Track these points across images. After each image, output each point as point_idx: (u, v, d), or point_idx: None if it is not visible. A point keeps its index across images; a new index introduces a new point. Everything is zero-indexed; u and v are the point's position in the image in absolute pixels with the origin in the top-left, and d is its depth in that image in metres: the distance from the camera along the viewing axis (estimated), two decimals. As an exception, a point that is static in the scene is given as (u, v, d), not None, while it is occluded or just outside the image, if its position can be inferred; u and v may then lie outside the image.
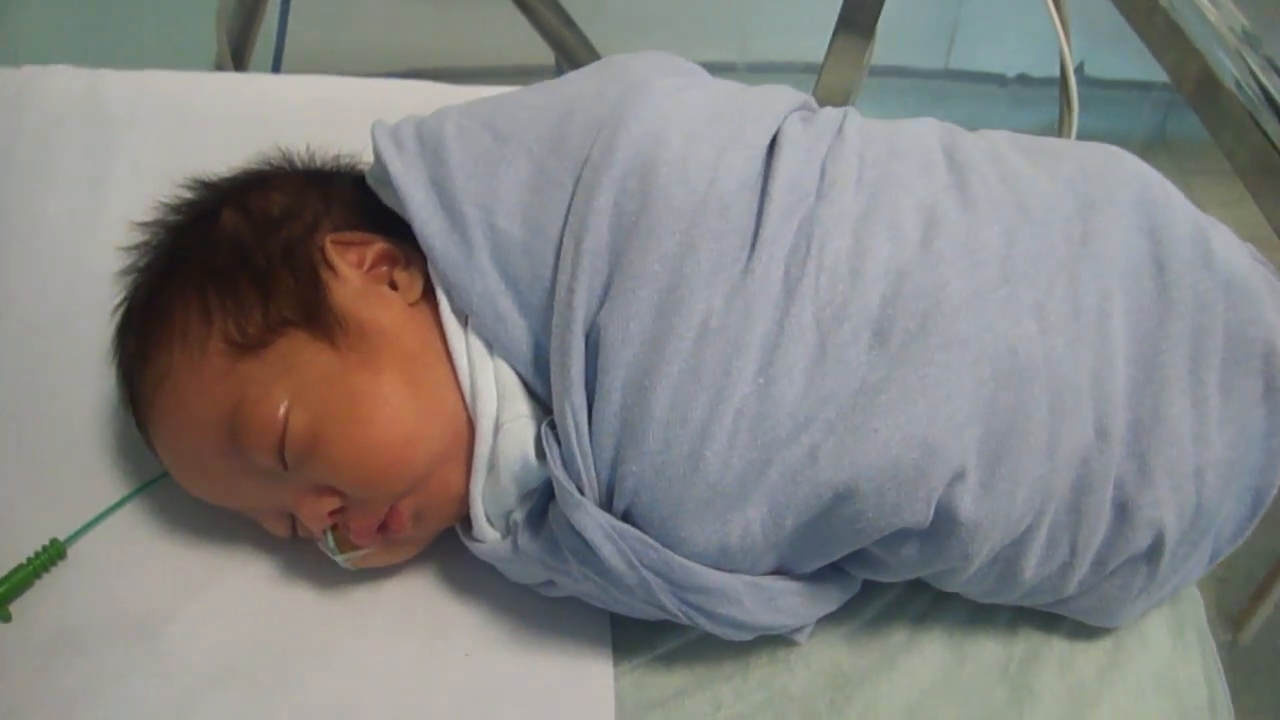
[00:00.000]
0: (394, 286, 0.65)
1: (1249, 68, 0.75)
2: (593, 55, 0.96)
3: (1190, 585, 0.72)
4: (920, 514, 0.58)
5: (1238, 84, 0.76)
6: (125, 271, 0.69)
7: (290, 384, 0.60)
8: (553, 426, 0.60)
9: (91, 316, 0.71)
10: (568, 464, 0.59)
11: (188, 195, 0.70)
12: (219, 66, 0.93)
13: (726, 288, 0.59)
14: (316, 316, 0.62)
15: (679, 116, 0.64)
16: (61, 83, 0.84)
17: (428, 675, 0.64)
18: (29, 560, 0.65)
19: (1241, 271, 0.65)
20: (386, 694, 0.63)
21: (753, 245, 0.60)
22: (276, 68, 1.00)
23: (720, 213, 0.60)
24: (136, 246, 0.69)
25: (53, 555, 0.66)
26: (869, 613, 0.69)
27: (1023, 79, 1.30)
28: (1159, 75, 0.83)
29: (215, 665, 0.63)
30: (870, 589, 0.69)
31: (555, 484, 0.59)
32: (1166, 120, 1.55)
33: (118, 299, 0.68)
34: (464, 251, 0.62)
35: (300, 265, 0.64)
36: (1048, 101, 0.95)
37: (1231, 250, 0.66)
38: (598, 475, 0.58)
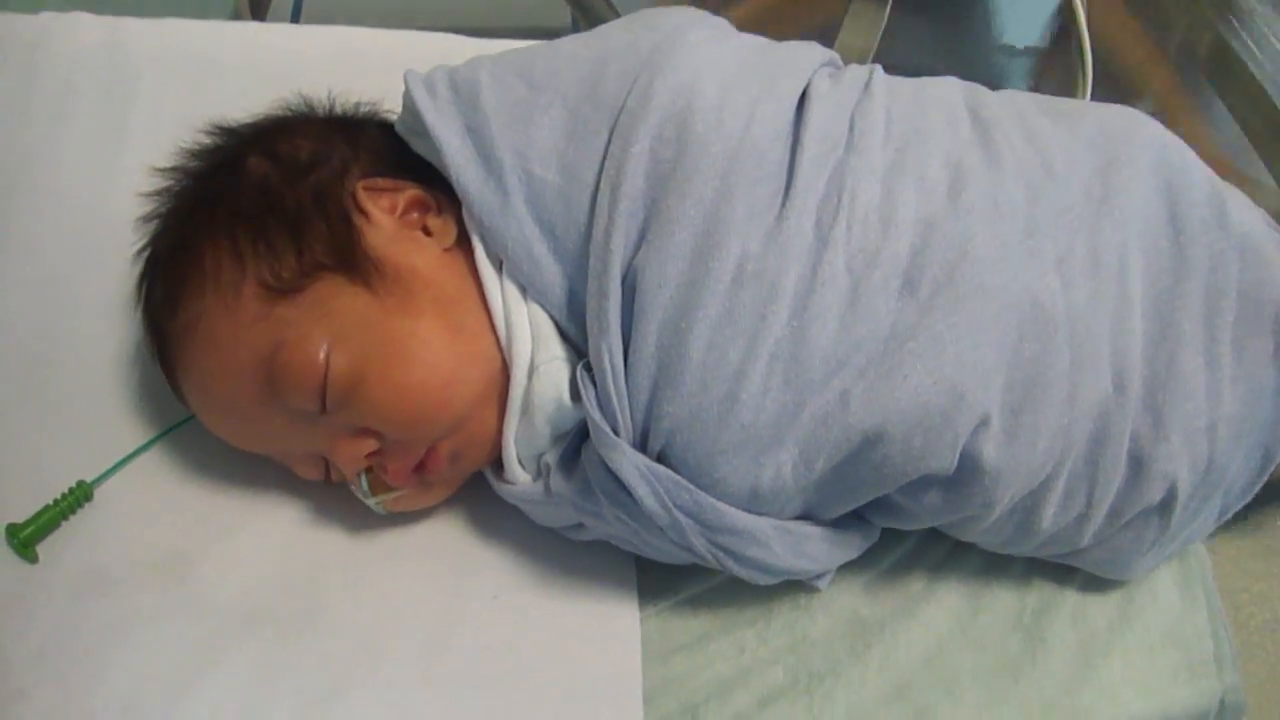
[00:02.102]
0: (427, 232, 0.66)
1: (1258, 36, 0.76)
2: (612, 14, 0.97)
3: (1198, 542, 0.74)
4: (945, 460, 0.59)
5: (1249, 52, 0.77)
6: (147, 218, 0.69)
7: (329, 327, 0.61)
8: (588, 369, 0.61)
9: (113, 262, 0.72)
10: (603, 405, 0.59)
11: (209, 141, 0.70)
12: (237, 15, 0.93)
13: (761, 233, 0.59)
14: (352, 260, 0.62)
15: (713, 67, 0.65)
16: (80, 30, 0.83)
17: (456, 616, 0.65)
18: (56, 502, 0.65)
19: (1256, 234, 0.67)
20: (415, 634, 0.64)
21: (786, 193, 0.61)
22: (296, 18, 1.00)
23: (755, 160, 0.61)
24: (158, 192, 0.69)
25: (80, 497, 0.66)
26: (887, 562, 0.71)
27: (1032, 51, 1.31)
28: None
29: (244, 606, 0.64)
30: (888, 539, 0.70)
31: (590, 425, 0.59)
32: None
33: (140, 245, 0.68)
34: (500, 197, 0.62)
35: (332, 210, 0.64)
36: (1058, 73, 0.96)
37: (1246, 213, 0.68)
38: (633, 417, 0.59)
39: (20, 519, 0.64)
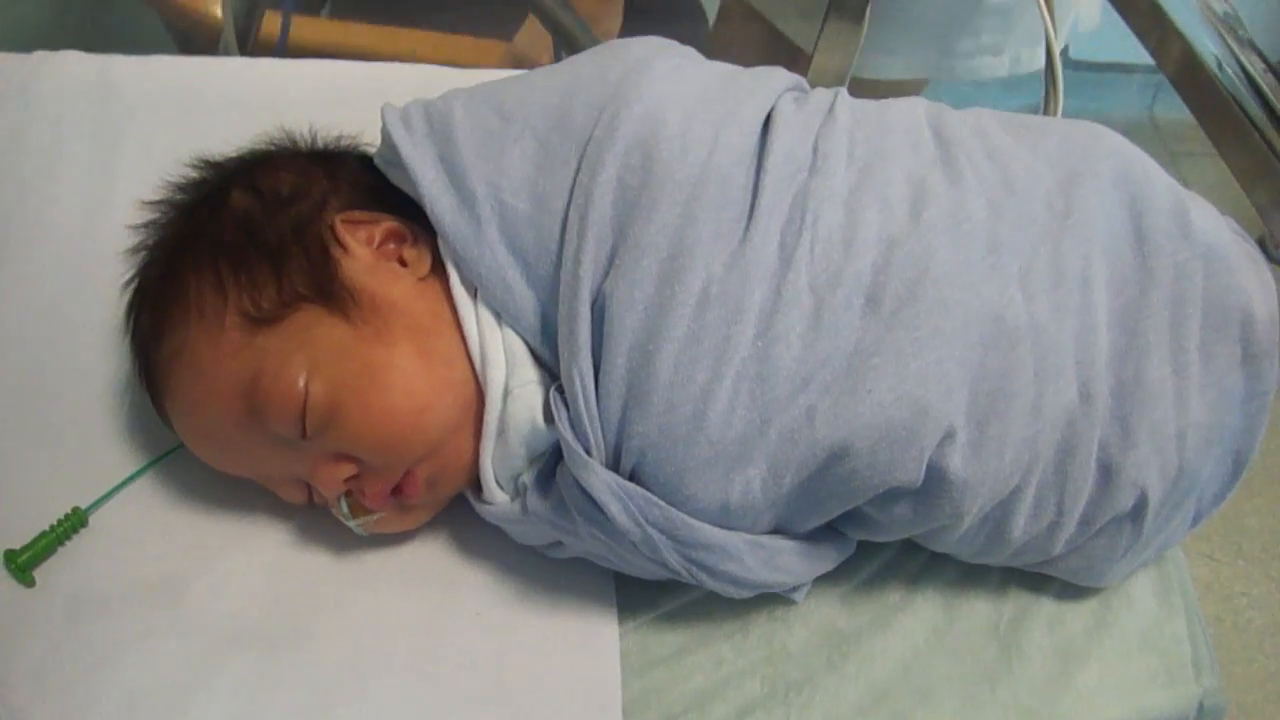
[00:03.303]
0: (403, 263, 0.68)
1: (1230, 49, 0.77)
2: (591, 41, 0.98)
3: (1175, 547, 0.75)
4: (912, 472, 0.60)
5: (1219, 65, 0.78)
6: (135, 249, 0.71)
7: (308, 355, 0.62)
8: (560, 391, 0.62)
9: (105, 292, 0.73)
10: (575, 426, 0.61)
11: (195, 175, 0.72)
12: (224, 50, 0.95)
13: (726, 256, 0.61)
14: (330, 291, 0.64)
15: (678, 95, 0.66)
16: (71, 68, 0.86)
17: (439, 633, 0.67)
18: (52, 527, 0.67)
19: (1220, 242, 0.68)
20: (399, 651, 0.66)
21: (750, 216, 0.62)
22: (282, 52, 1.02)
23: (719, 186, 0.62)
24: (146, 225, 0.71)
25: (75, 523, 0.67)
26: (864, 574, 0.72)
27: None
28: (1147, 58, 0.85)
29: (234, 626, 0.66)
30: (864, 551, 0.71)
31: (563, 445, 0.61)
32: (1154, 103, 1.57)
33: (128, 276, 0.70)
34: (473, 226, 0.64)
35: (311, 242, 0.66)
36: (1035, 85, 0.97)
37: (1210, 222, 0.69)
38: (604, 437, 0.61)
39: (17, 545, 0.66)
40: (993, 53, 1.13)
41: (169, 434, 0.70)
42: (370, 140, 0.74)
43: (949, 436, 0.61)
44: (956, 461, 0.61)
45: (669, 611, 0.69)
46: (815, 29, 1.01)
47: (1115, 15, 0.88)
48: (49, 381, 0.73)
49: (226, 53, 0.96)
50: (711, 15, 1.38)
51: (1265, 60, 0.76)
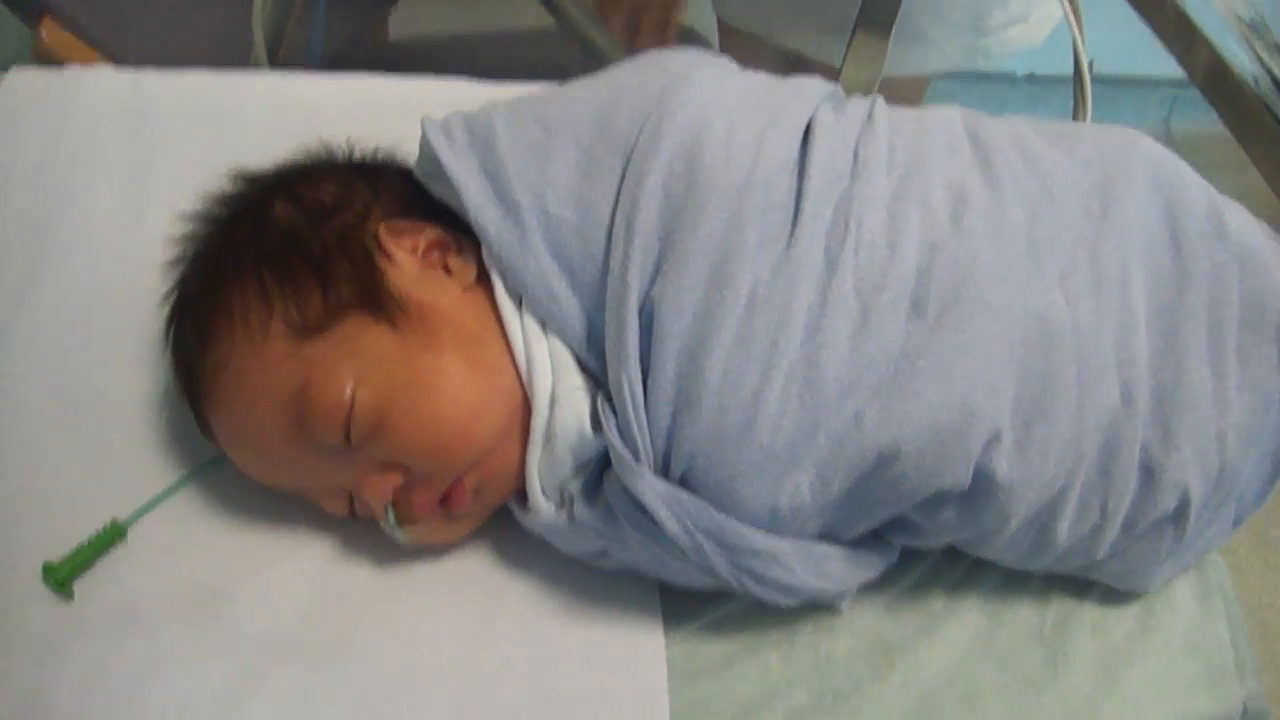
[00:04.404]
0: (448, 271, 0.68)
1: (1258, 54, 0.78)
2: (620, 55, 0.99)
3: (1214, 552, 0.75)
4: (959, 475, 0.60)
5: (1247, 70, 0.79)
6: (174, 262, 0.71)
7: (355, 365, 0.62)
8: (608, 398, 0.62)
9: (142, 306, 0.74)
10: (624, 433, 0.61)
11: (233, 188, 0.72)
12: (255, 64, 0.96)
13: (772, 261, 0.61)
14: (377, 300, 0.64)
15: (720, 104, 0.67)
16: (104, 84, 0.86)
17: (484, 645, 0.66)
18: (90, 541, 0.66)
19: (1255, 245, 0.68)
20: (445, 664, 0.65)
21: (794, 222, 0.63)
22: (314, 65, 1.03)
23: (764, 192, 0.63)
24: (184, 238, 0.71)
25: (113, 535, 0.67)
26: (907, 581, 0.72)
27: (1032, 78, 1.34)
28: (1163, 71, 0.86)
29: (276, 640, 0.65)
30: (907, 559, 0.71)
31: (612, 452, 0.61)
32: (1171, 115, 1.59)
33: (167, 289, 0.70)
34: (518, 235, 0.64)
35: (355, 251, 0.66)
36: (1057, 99, 0.98)
37: (1245, 224, 0.69)
38: (653, 443, 0.61)
39: (56, 558, 0.66)
40: (1023, 20, 1.14)
41: (207, 446, 0.70)
42: (406, 154, 0.74)
43: (995, 439, 0.61)
44: (1003, 464, 0.61)
45: (715, 621, 0.69)
46: (832, 41, 1.02)
47: (1128, 29, 0.89)
48: (86, 394, 0.73)
49: (256, 65, 0.96)
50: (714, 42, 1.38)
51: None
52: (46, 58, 0.97)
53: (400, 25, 1.33)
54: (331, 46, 1.13)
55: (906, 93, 1.20)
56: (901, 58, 1.08)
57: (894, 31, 0.91)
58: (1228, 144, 0.84)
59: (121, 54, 0.90)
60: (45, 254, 0.78)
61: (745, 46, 1.23)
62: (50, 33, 1.01)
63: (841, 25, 0.96)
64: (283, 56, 0.98)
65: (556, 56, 0.74)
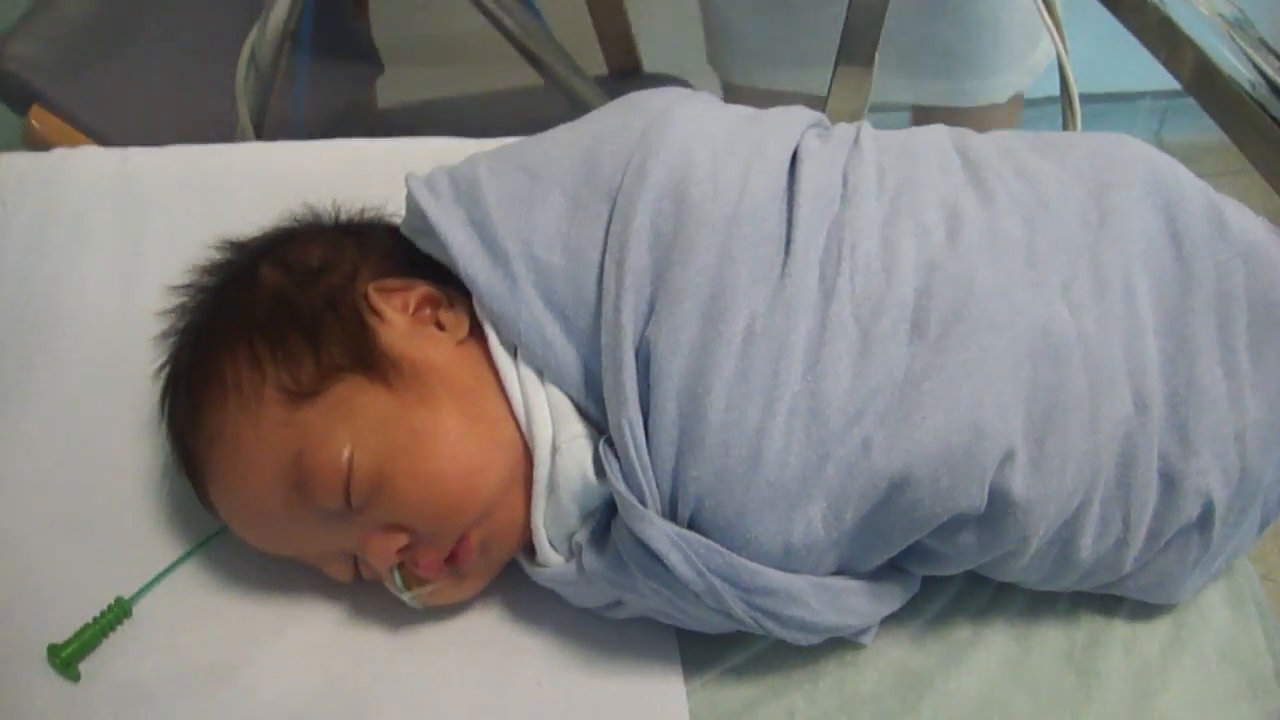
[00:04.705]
0: (440, 327, 0.67)
1: (1244, 51, 0.77)
2: (598, 97, 1.00)
3: (1243, 557, 0.73)
4: (975, 497, 0.59)
5: (1236, 70, 0.78)
6: (165, 335, 0.70)
7: (351, 427, 0.61)
8: (610, 444, 0.61)
9: (136, 381, 0.73)
10: (628, 478, 0.60)
11: (220, 256, 0.72)
12: (242, 136, 0.96)
13: (767, 293, 0.60)
14: (369, 360, 0.63)
15: (704, 139, 0.66)
16: (91, 162, 0.86)
17: (500, 706, 0.64)
18: (95, 620, 0.66)
19: (1258, 240, 0.67)
20: (461, 726, 0.64)
21: (787, 252, 0.62)
22: (299, 130, 1.03)
23: (753, 223, 0.62)
24: (174, 310, 0.71)
25: (119, 613, 0.66)
26: (931, 611, 0.70)
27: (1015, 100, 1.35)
28: (1149, 84, 0.85)
29: (286, 711, 0.64)
30: (930, 588, 0.69)
31: (617, 498, 0.60)
32: (1162, 127, 1.59)
33: (160, 362, 0.70)
34: (508, 285, 0.64)
35: (346, 313, 0.65)
36: (1045, 121, 0.98)
37: (1246, 221, 0.68)
38: (659, 486, 0.59)
39: (61, 639, 0.65)
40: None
41: (210, 519, 0.69)
42: (393, 213, 0.74)
43: (1009, 457, 0.60)
44: (1019, 482, 0.60)
45: (736, 665, 0.67)
46: (812, 73, 1.02)
47: (1112, 44, 0.89)
48: (85, 473, 0.72)
49: (243, 138, 0.96)
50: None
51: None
52: (37, 144, 0.98)
53: (388, 93, 1.35)
54: (319, 118, 1.14)
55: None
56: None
57: (877, 61, 0.91)
58: (1221, 151, 0.83)
59: (110, 136, 0.91)
60: (37, 335, 0.78)
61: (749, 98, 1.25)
62: (40, 119, 1.02)
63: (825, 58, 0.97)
64: (269, 131, 0.99)
65: (543, 112, 0.75)
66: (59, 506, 0.71)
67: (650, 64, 1.27)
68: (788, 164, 0.66)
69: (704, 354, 0.59)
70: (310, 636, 0.67)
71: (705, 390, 0.58)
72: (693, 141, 0.66)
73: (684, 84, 0.84)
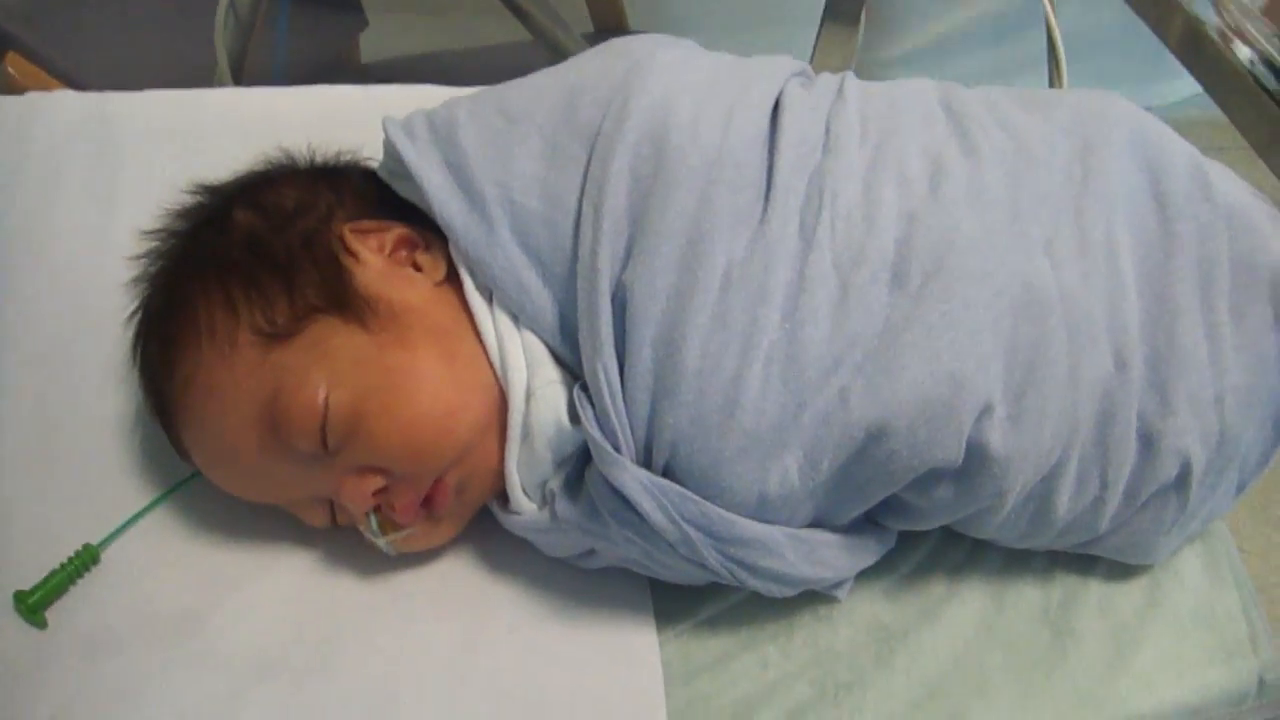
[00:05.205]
0: (417, 268, 0.66)
1: (1231, 17, 0.77)
2: (576, 43, 0.99)
3: (1221, 522, 0.73)
4: (952, 450, 0.59)
5: (1223, 35, 0.78)
6: (137, 279, 0.69)
7: (327, 368, 0.61)
8: (585, 389, 0.60)
9: (108, 326, 0.72)
10: (602, 424, 0.59)
11: (194, 200, 0.71)
12: (219, 83, 0.95)
13: (746, 239, 0.60)
14: (345, 301, 0.62)
15: (685, 84, 0.65)
16: (65, 107, 0.85)
17: (473, 653, 0.64)
18: (62, 566, 0.65)
19: (1242, 203, 0.67)
20: (432, 674, 0.63)
21: (766, 198, 0.61)
22: (278, 81, 1.02)
23: (734, 169, 0.61)
24: (147, 254, 0.69)
25: (86, 560, 0.65)
26: (906, 567, 0.70)
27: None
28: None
29: (258, 658, 0.63)
30: (906, 543, 0.69)
31: (591, 444, 0.59)
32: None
33: (132, 307, 0.69)
34: (484, 229, 0.63)
35: (320, 254, 0.64)
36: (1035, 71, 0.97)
37: (1229, 184, 0.68)
38: (633, 433, 0.59)
39: (28, 585, 0.64)
40: None
41: (179, 465, 0.68)
42: (370, 157, 0.73)
43: (987, 411, 0.59)
44: (996, 436, 0.59)
45: (710, 617, 0.67)
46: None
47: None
48: (55, 419, 0.71)
49: (221, 84, 0.95)
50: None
51: (1269, 24, 0.75)
52: (13, 91, 0.96)
53: (372, 47, 1.33)
54: (301, 70, 1.12)
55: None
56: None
57: (863, 19, 0.90)
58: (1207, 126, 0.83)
59: (86, 82, 0.89)
60: (11, 280, 0.76)
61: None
62: (16, 66, 1.00)
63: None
64: (247, 79, 0.97)
65: (530, 66, 0.73)
66: (28, 451, 0.70)
67: (637, 23, 1.25)
68: (770, 111, 0.65)
69: (681, 300, 0.58)
70: (281, 584, 0.66)
71: (681, 336, 0.58)
72: (674, 86, 0.65)
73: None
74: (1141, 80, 1.20)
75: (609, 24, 1.22)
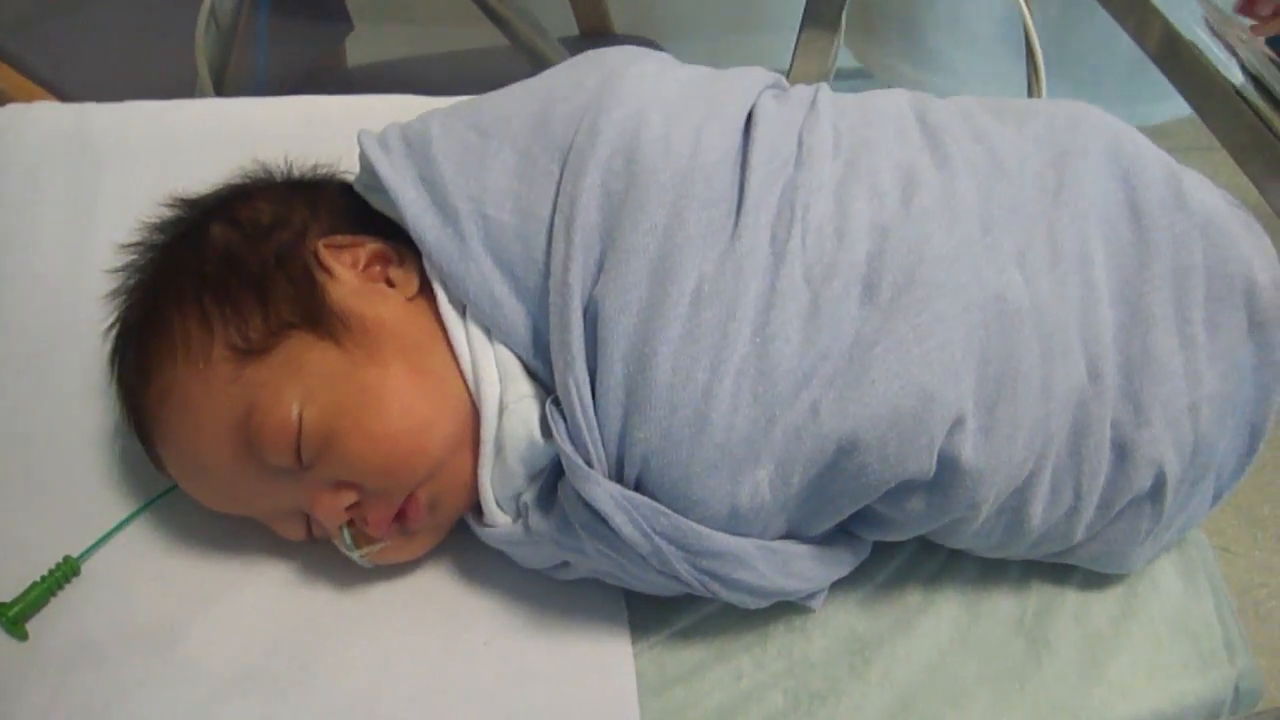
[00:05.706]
0: (390, 284, 0.66)
1: (1210, 21, 0.77)
2: (556, 52, 0.99)
3: (1196, 528, 0.73)
4: (923, 463, 0.59)
5: (1201, 38, 0.78)
6: (115, 293, 0.69)
7: (300, 384, 0.61)
8: (557, 404, 0.61)
9: (88, 339, 0.72)
10: (574, 438, 0.59)
11: (171, 214, 0.71)
12: (200, 92, 0.95)
13: (717, 254, 0.60)
14: (318, 317, 0.63)
15: (657, 97, 0.66)
16: (45, 119, 0.85)
17: (449, 665, 0.64)
18: (43, 578, 0.65)
19: (1216, 212, 0.67)
20: (409, 687, 0.63)
21: (738, 213, 0.61)
22: (259, 91, 1.02)
23: (705, 184, 0.61)
24: (124, 268, 0.70)
25: (66, 572, 0.65)
26: (881, 577, 0.70)
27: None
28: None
29: (235, 670, 0.63)
30: (880, 553, 0.69)
31: (563, 458, 0.59)
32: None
33: (110, 320, 0.69)
34: (457, 243, 0.63)
35: (295, 269, 0.65)
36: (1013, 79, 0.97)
37: (1204, 192, 0.68)
38: (605, 447, 0.59)
39: (8, 598, 0.64)
40: None
41: (159, 478, 0.68)
42: (348, 169, 0.73)
43: (959, 423, 0.59)
44: (968, 449, 0.59)
45: (684, 628, 0.67)
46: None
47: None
48: (35, 431, 0.72)
49: (202, 94, 0.95)
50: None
51: (1248, 31, 0.75)
52: (-1, 100, 0.97)
53: (358, 52, 1.33)
54: (285, 76, 1.12)
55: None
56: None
57: (842, 25, 0.90)
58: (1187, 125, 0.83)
59: (67, 92, 0.89)
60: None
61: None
62: (1, 77, 1.00)
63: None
64: (229, 88, 0.97)
65: (514, 73, 0.74)
66: (7, 464, 0.70)
67: (621, 25, 1.25)
68: (743, 125, 0.65)
69: (652, 314, 0.58)
70: (259, 596, 0.67)
71: (652, 351, 0.58)
72: (646, 100, 0.65)
73: (651, 44, 0.83)
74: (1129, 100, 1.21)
75: (594, 27, 1.23)
